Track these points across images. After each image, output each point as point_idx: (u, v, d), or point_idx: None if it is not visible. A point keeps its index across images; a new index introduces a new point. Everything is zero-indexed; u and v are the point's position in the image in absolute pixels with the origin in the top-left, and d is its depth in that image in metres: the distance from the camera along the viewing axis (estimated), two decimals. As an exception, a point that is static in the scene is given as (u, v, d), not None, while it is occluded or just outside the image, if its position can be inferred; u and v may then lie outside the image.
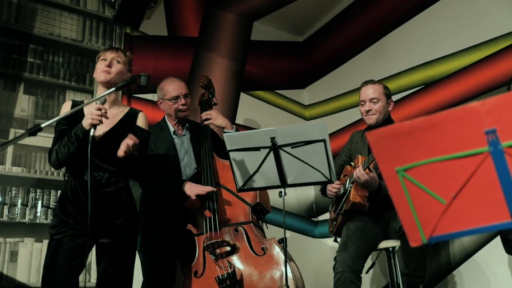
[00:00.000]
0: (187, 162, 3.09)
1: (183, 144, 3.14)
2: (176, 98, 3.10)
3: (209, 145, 3.07)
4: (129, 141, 2.25)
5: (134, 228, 2.48)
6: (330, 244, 4.38)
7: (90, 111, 2.24)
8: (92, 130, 2.21)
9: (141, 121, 2.58)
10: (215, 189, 2.84)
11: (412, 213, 1.05)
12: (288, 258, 2.61)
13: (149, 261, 2.93)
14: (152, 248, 2.90)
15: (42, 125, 1.52)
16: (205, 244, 2.73)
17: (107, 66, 2.47)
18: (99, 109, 2.22)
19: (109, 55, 2.50)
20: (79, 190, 2.36)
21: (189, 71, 4.41)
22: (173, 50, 4.41)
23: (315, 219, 4.76)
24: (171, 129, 3.14)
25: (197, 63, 4.51)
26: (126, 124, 2.51)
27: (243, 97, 4.73)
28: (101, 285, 2.37)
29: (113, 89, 2.25)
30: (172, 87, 3.13)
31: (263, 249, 2.70)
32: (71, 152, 2.31)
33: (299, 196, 4.71)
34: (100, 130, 2.40)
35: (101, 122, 2.24)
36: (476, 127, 0.93)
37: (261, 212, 2.98)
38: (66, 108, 2.51)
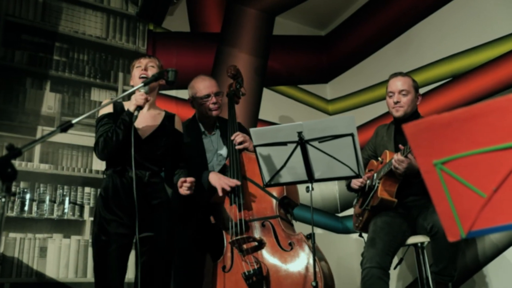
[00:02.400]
0: (216, 162, 3.06)
1: (212, 144, 3.11)
2: (207, 96, 3.07)
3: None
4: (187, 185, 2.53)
5: (171, 225, 2.59)
6: (354, 240, 4.34)
7: (134, 96, 2.40)
8: (136, 112, 2.36)
9: (178, 125, 2.79)
10: (239, 183, 2.80)
11: (451, 207, 1.02)
12: (318, 256, 2.58)
13: (178, 257, 2.94)
14: (180, 244, 2.90)
15: (73, 121, 1.53)
16: (231, 240, 2.71)
17: (143, 70, 2.63)
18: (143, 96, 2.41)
19: (143, 61, 2.68)
20: (121, 188, 2.43)
21: (212, 67, 4.41)
22: (196, 46, 4.42)
23: (339, 215, 4.73)
24: (201, 129, 3.13)
25: (219, 59, 4.50)
26: (166, 127, 2.68)
27: (266, 92, 4.71)
28: (143, 280, 2.43)
29: (141, 84, 2.28)
30: (203, 85, 3.11)
31: (290, 244, 2.65)
32: (119, 139, 2.39)
33: (323, 192, 4.68)
34: (146, 131, 2.57)
35: (142, 106, 2.38)
36: (519, 118, 0.90)
37: (289, 205, 2.93)
38: (107, 107, 2.61)
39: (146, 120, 2.61)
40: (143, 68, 2.64)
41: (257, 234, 2.75)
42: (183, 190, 2.54)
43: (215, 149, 3.10)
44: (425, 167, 1.01)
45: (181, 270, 2.91)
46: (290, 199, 2.89)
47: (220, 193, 2.76)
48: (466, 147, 0.97)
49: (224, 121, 3.22)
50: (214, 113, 3.10)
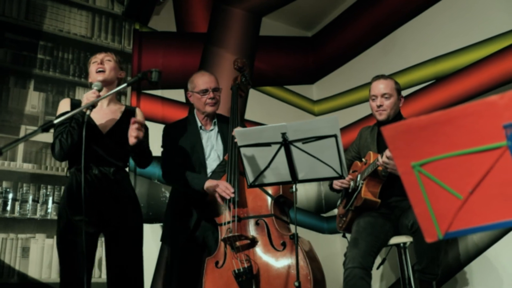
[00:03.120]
0: (213, 157, 3.07)
1: (210, 139, 3.10)
2: (205, 91, 3.08)
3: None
4: (135, 125, 2.35)
5: (139, 220, 2.58)
6: (339, 240, 4.37)
7: (85, 95, 2.33)
8: (88, 111, 2.25)
9: (139, 116, 2.67)
10: (233, 195, 2.75)
11: (428, 209, 1.03)
12: (311, 258, 2.57)
13: (175, 253, 2.94)
14: (178, 240, 2.90)
15: (55, 121, 1.52)
16: (224, 237, 2.70)
17: (99, 64, 2.59)
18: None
19: (99, 56, 2.64)
20: (85, 185, 2.38)
21: (198, 67, 4.40)
22: (182, 46, 4.41)
23: (324, 215, 4.75)
24: (198, 123, 3.13)
25: (206, 59, 4.50)
26: (128, 120, 2.56)
27: (252, 92, 4.71)
28: (114, 277, 2.43)
29: (124, 84, 2.27)
30: (202, 80, 3.12)
31: (282, 244, 2.63)
32: (75, 140, 2.34)
33: (308, 192, 4.70)
34: (107, 126, 2.52)
35: (95, 105, 2.29)
36: (494, 121, 0.91)
37: (284, 204, 2.90)
38: (64, 105, 2.57)
39: (106, 115, 2.57)
40: (99, 62, 2.59)
41: (250, 232, 2.73)
42: (133, 131, 2.38)
43: (212, 144, 3.10)
44: (403, 168, 1.03)
45: (178, 266, 2.90)
46: (286, 198, 2.85)
47: (221, 202, 2.77)
48: (443, 150, 0.99)
49: (223, 118, 3.23)
50: (210, 108, 3.09)
